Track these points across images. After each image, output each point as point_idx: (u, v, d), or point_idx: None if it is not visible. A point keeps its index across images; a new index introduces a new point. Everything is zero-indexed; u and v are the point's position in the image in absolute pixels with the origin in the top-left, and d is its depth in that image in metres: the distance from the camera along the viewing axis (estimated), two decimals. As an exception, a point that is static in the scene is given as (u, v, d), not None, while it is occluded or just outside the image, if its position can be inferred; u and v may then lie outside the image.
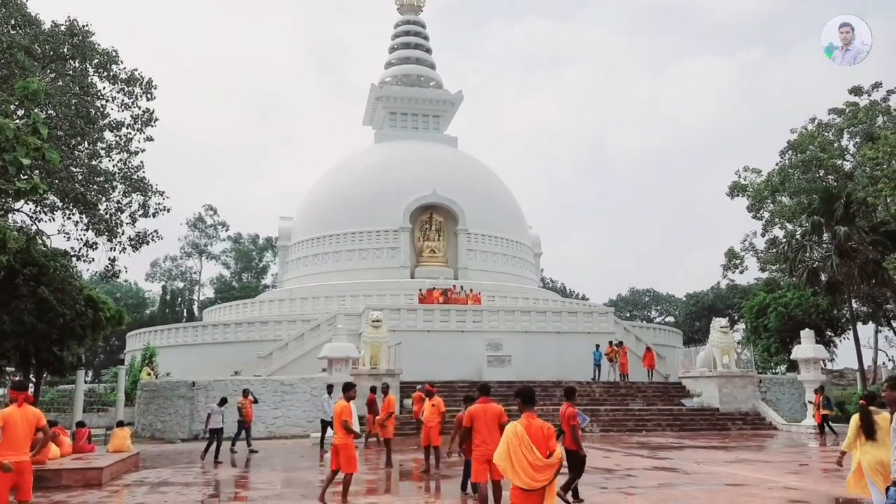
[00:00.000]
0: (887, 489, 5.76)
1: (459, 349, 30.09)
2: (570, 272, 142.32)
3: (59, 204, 20.20)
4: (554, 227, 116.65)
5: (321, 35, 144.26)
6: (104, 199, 20.81)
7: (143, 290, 73.41)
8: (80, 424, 17.68)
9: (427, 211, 42.97)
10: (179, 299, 68.21)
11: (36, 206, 20.03)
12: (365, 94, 52.62)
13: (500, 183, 49.44)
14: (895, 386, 6.04)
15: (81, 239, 20.66)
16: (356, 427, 11.76)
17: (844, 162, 37.19)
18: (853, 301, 34.96)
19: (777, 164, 38.13)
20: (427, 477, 13.78)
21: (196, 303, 70.18)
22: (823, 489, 12.08)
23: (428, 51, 54.37)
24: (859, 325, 35.73)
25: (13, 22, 19.15)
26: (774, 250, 38.19)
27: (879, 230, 31.53)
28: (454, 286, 37.36)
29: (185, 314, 64.71)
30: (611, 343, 30.88)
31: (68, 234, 20.66)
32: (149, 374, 30.96)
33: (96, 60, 20.25)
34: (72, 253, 20.90)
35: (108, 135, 21.08)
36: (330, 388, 20.56)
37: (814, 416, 24.08)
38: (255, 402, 21.30)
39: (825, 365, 33.36)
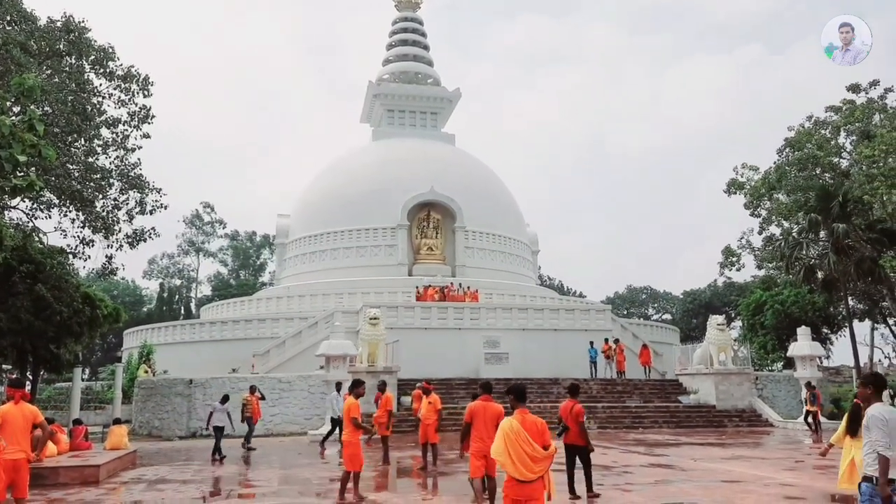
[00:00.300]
0: (860, 485, 5.80)
1: (457, 347, 30.10)
2: (568, 270, 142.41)
3: (56, 201, 20.16)
4: (552, 225, 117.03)
5: (320, 34, 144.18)
6: (101, 196, 20.76)
7: (141, 287, 73.41)
8: (77, 422, 17.62)
9: (425, 208, 42.96)
10: (177, 297, 68.15)
11: (32, 204, 19.98)
12: (363, 92, 52.61)
13: (498, 180, 49.45)
14: (867, 383, 6.10)
15: (78, 236, 20.61)
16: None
17: (841, 160, 37.28)
18: (849, 298, 35.07)
19: (774, 162, 38.21)
20: (425, 474, 13.81)
21: (193, 300, 70.13)
22: (819, 486, 12.13)
23: (426, 48, 54.29)
24: (855, 323, 35.88)
25: (9, 18, 19.11)
26: (771, 248, 38.27)
27: (876, 228, 31.62)
28: (452, 284, 37.38)
29: (182, 312, 64.65)
30: (606, 340, 30.92)
31: (65, 231, 20.62)
32: (146, 372, 30.94)
33: (92, 57, 20.20)
34: (68, 250, 20.85)
35: (104, 132, 21.02)
36: (338, 386, 20.56)
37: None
38: (263, 398, 21.21)
39: (821, 362, 33.45)
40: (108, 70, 20.44)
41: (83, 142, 20.46)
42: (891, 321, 39.49)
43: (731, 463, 15.16)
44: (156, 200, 21.55)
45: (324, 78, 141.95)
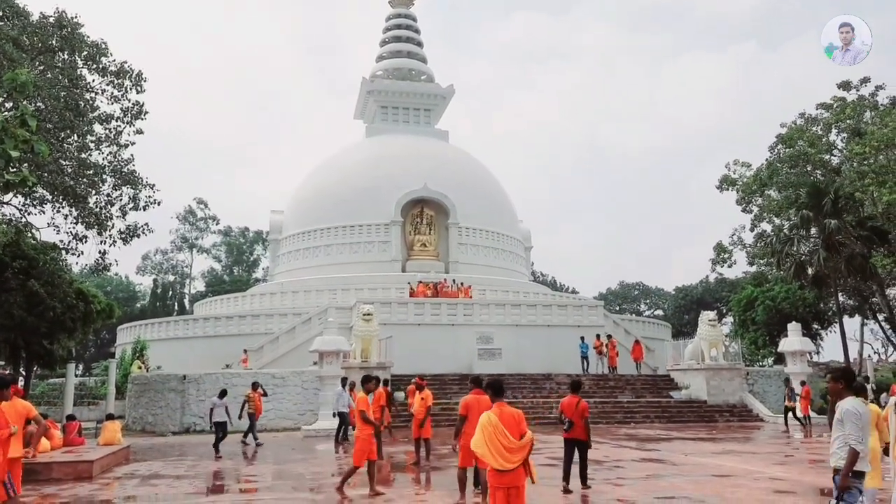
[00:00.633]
0: (833, 478, 5.91)
1: (450, 342, 30.19)
2: (561, 266, 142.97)
3: (49, 197, 20.09)
4: (547, 222, 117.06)
5: (320, 34, 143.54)
6: (94, 192, 20.69)
7: (134, 283, 73.07)
8: (71, 418, 17.63)
9: (418, 205, 42.98)
10: (170, 293, 67.95)
11: (25, 199, 19.93)
12: (357, 89, 52.53)
13: (491, 177, 49.51)
14: (837, 378, 6.16)
15: (71, 232, 20.54)
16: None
17: (832, 157, 37.51)
18: (839, 294, 35.34)
19: (766, 159, 38.41)
20: (418, 469, 13.90)
21: (187, 296, 69.97)
22: (808, 480, 12.28)
23: (419, 44, 54.24)
24: (845, 319, 36.11)
25: (1, 13, 19.01)
26: (762, 244, 38.51)
27: (866, 225, 31.85)
28: (445, 280, 37.46)
29: (176, 308, 64.44)
30: (598, 336, 31.06)
31: (58, 227, 20.56)
32: (139, 368, 30.89)
33: (85, 52, 20.14)
34: (61, 246, 20.80)
35: (97, 127, 20.95)
36: (344, 381, 20.68)
37: (800, 407, 24.35)
38: (265, 395, 21.23)
39: (811, 357, 33.75)
40: (100, 66, 20.38)
41: (76, 137, 20.39)
42: (880, 317, 39.81)
43: (722, 457, 15.31)
44: (149, 196, 21.52)
45: (323, 78, 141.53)
